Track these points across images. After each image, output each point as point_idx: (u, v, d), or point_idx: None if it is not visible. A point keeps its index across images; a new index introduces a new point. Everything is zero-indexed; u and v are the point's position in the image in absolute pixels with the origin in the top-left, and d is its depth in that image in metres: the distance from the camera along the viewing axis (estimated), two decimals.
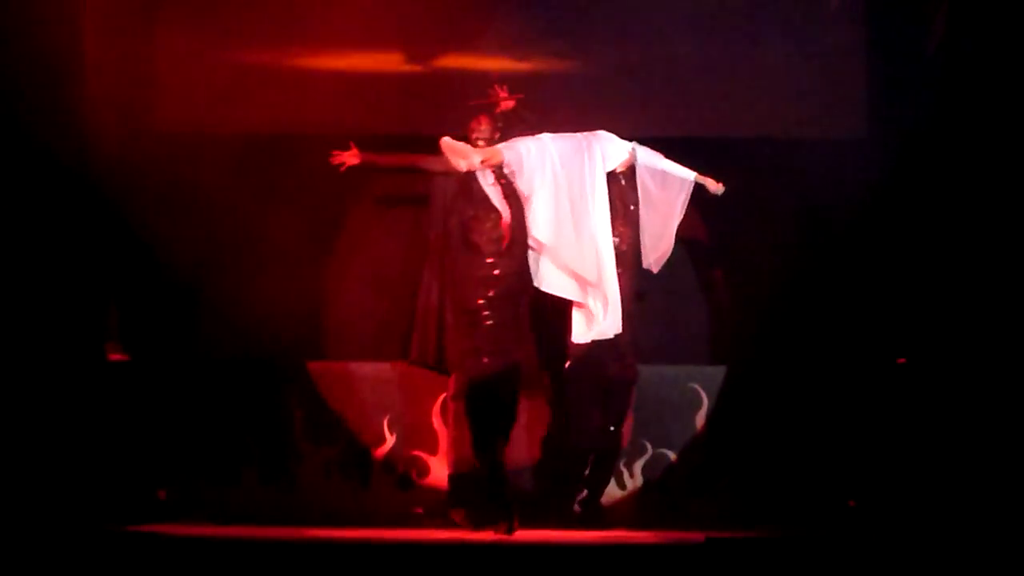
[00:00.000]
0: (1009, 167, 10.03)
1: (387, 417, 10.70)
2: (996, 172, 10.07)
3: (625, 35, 10.96)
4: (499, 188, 9.63)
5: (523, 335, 9.82)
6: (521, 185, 9.41)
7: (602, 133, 9.67)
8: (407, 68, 11.01)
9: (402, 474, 10.67)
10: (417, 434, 10.68)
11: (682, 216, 9.67)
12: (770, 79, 10.91)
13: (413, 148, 10.16)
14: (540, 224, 9.34)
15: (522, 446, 10.28)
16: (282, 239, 10.82)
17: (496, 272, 9.62)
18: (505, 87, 9.99)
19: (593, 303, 9.43)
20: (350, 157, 9.85)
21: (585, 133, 9.62)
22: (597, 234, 9.39)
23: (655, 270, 9.73)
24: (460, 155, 9.39)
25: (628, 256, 9.66)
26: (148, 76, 10.96)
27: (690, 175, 9.66)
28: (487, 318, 9.58)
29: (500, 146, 9.50)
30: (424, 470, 10.67)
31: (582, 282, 9.41)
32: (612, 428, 9.87)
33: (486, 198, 9.65)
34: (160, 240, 10.65)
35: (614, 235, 9.50)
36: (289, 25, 10.92)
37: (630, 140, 9.73)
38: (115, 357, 10.59)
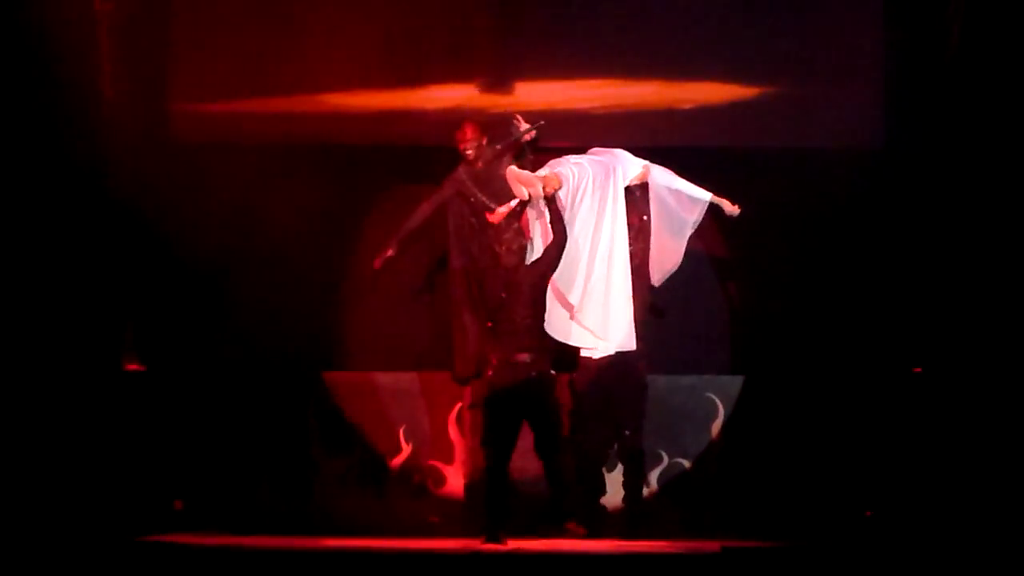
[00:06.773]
0: None
1: (403, 427, 10.72)
2: (1013, 183, 10.06)
3: (641, 45, 10.97)
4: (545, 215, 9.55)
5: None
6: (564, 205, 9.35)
7: (619, 152, 9.59)
8: (420, 81, 11.04)
9: (418, 483, 10.68)
10: (433, 444, 10.69)
11: (692, 231, 9.62)
12: (787, 90, 10.91)
13: (425, 157, 10.28)
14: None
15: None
16: (298, 250, 10.83)
17: (517, 280, 9.63)
18: (519, 117, 9.97)
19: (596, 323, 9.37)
20: (387, 251, 10.25)
21: (609, 155, 9.55)
22: (613, 254, 9.34)
23: (657, 284, 9.70)
24: (526, 183, 9.27)
25: (641, 269, 9.62)
26: (164, 87, 10.99)
27: (705, 196, 9.55)
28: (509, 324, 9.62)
29: (555, 171, 9.33)
30: (440, 480, 10.67)
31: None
32: (628, 432, 9.89)
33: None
34: (177, 251, 10.67)
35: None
36: (305, 37, 10.94)
37: (648, 148, 9.73)
38: (132, 367, 10.61)
